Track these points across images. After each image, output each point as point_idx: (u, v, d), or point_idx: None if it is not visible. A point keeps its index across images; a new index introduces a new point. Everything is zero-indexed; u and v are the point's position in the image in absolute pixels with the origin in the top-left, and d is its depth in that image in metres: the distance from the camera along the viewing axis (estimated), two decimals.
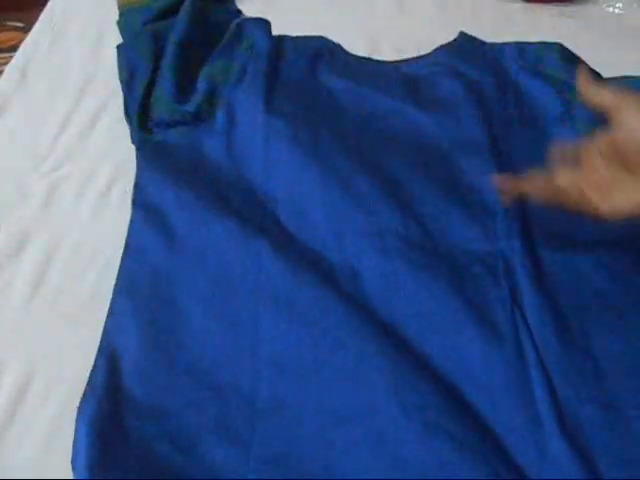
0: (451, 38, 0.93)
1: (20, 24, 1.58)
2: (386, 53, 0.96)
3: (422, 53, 0.93)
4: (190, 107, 0.81)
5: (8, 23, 1.59)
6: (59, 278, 0.71)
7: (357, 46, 0.94)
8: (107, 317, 0.64)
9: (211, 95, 0.82)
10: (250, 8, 0.98)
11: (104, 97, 0.89)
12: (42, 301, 0.69)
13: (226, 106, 0.81)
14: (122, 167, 0.80)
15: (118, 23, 0.92)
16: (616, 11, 1.07)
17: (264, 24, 0.91)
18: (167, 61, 0.84)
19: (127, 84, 0.84)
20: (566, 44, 0.89)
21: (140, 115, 0.81)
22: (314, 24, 0.96)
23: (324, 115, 0.81)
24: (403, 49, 0.95)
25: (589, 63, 0.87)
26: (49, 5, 1.06)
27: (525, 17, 1.05)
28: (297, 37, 0.92)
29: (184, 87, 0.83)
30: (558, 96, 0.83)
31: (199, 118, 0.81)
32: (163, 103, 0.81)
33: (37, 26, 1.02)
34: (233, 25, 0.91)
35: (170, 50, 0.85)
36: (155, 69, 0.84)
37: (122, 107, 0.83)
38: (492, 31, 0.96)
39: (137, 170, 0.77)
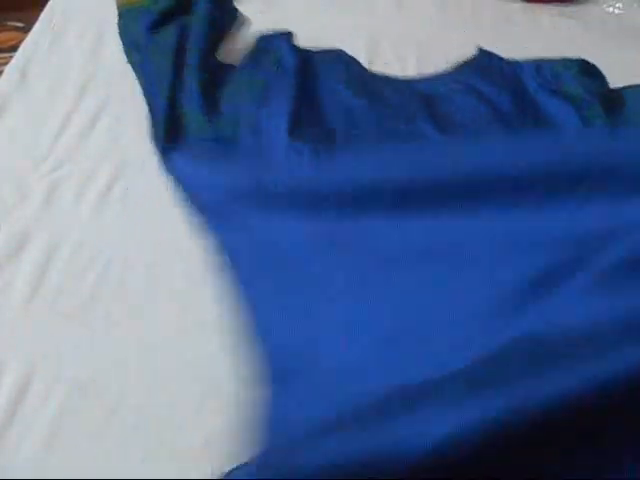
0: (451, 38, 0.93)
1: (20, 24, 1.57)
2: (386, 53, 0.96)
3: (422, 53, 0.93)
4: (216, 127, 0.80)
5: (8, 23, 1.59)
6: (59, 278, 0.71)
7: (357, 46, 0.95)
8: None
9: (235, 115, 0.82)
10: (250, 8, 0.98)
11: (104, 97, 0.89)
12: (42, 301, 0.69)
13: (250, 127, 0.81)
14: (122, 167, 0.80)
15: (118, 25, 0.92)
16: (616, 11, 1.07)
17: (288, 37, 0.91)
18: (192, 73, 0.84)
19: (149, 97, 0.84)
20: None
21: (166, 129, 0.80)
22: (314, 24, 0.96)
23: (344, 134, 0.81)
24: (403, 49, 0.96)
25: None
26: (49, 5, 1.06)
27: (525, 17, 1.05)
28: (321, 52, 0.92)
29: (211, 99, 0.82)
30: (576, 113, 0.82)
31: (224, 138, 0.80)
32: (193, 121, 0.81)
33: (37, 26, 1.02)
34: (257, 40, 0.91)
35: (194, 61, 0.84)
36: (176, 75, 0.84)
37: (122, 107, 0.83)
38: (492, 31, 0.96)
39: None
